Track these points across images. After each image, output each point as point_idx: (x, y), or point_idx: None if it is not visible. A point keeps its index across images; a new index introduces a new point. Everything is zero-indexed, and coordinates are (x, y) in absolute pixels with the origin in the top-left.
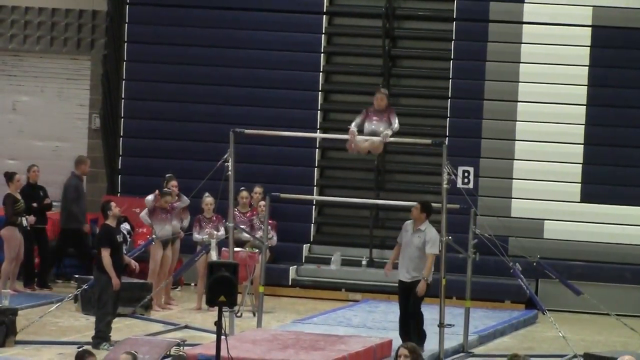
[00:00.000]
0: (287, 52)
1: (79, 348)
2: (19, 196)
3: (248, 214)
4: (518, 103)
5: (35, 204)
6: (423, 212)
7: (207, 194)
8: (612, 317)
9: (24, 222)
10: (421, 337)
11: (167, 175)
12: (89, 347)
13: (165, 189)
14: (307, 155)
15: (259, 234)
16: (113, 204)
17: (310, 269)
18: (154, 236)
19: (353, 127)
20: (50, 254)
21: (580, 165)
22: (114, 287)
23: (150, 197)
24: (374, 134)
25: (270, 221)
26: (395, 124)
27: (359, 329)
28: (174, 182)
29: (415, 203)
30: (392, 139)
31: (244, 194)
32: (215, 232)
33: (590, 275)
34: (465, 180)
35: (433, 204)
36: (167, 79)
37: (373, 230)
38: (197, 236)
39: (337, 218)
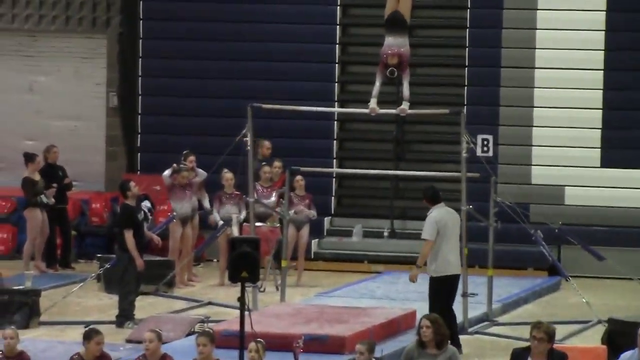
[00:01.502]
0: (303, 25)
1: (86, 327)
2: (37, 177)
3: (268, 189)
4: (535, 69)
5: (55, 184)
6: (424, 199)
7: (226, 170)
8: (635, 281)
9: (44, 200)
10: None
11: (185, 151)
12: (96, 326)
13: (182, 165)
14: (326, 128)
15: (301, 207)
16: (132, 183)
17: (332, 242)
18: (174, 213)
19: (373, 103)
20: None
21: (600, 130)
22: (138, 268)
23: (167, 172)
24: None
25: (308, 195)
26: (407, 91)
27: (382, 300)
28: (191, 158)
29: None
30: (410, 111)
31: (267, 168)
32: (238, 211)
33: (612, 240)
34: (485, 148)
35: (455, 173)
36: (184, 55)
37: (394, 201)
38: (216, 215)
39: (358, 190)
